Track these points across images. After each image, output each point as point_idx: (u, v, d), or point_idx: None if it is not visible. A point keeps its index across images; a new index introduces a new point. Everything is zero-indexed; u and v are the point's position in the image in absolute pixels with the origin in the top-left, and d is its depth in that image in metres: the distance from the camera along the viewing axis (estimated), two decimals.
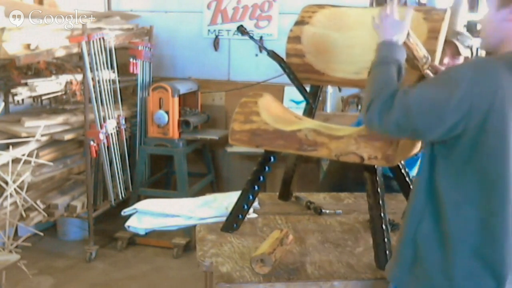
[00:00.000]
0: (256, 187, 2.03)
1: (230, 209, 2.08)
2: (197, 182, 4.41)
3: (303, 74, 2.14)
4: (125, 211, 2.27)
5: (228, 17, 4.63)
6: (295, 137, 1.84)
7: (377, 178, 1.79)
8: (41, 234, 3.47)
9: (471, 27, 4.97)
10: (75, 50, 3.60)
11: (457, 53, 2.58)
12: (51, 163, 3.55)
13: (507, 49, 1.43)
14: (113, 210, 3.96)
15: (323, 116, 3.76)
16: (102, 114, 3.77)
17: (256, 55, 4.61)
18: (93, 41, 3.63)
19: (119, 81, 4.00)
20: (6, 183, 3.05)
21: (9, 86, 3.52)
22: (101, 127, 3.74)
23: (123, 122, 4.03)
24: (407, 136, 1.57)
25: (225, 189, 4.43)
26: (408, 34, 1.64)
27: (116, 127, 3.92)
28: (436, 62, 1.84)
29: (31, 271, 3.28)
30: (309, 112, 2.25)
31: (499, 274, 1.36)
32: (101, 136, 3.74)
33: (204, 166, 4.66)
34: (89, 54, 3.62)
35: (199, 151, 4.58)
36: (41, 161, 3.35)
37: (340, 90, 4.24)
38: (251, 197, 2.04)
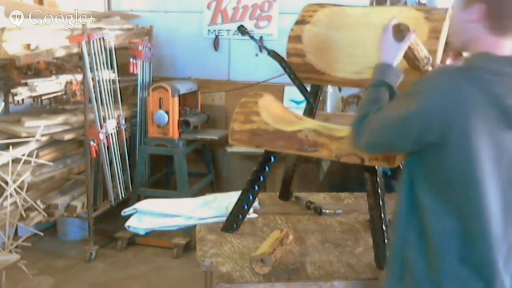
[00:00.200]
0: (256, 187, 2.03)
1: (230, 209, 2.08)
2: (197, 182, 4.41)
3: (304, 73, 2.14)
4: (125, 211, 2.27)
5: (228, 17, 4.63)
6: (295, 137, 1.84)
7: (378, 179, 1.79)
8: (41, 234, 3.47)
9: None
10: (75, 50, 3.59)
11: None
12: (51, 163, 3.55)
13: (473, 51, 1.40)
14: (113, 210, 3.96)
15: (323, 116, 3.76)
16: (102, 114, 3.76)
17: (256, 55, 4.61)
18: (93, 41, 3.62)
19: (119, 81, 4.00)
20: (6, 183, 3.05)
21: (9, 86, 3.52)
22: (101, 127, 3.74)
23: (123, 122, 4.03)
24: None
25: (225, 189, 4.43)
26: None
27: (116, 127, 3.92)
28: (438, 63, 1.84)
29: (31, 271, 3.27)
30: (310, 112, 2.25)
31: (486, 277, 1.34)
32: (101, 136, 3.74)
33: (204, 166, 4.66)
34: (89, 54, 3.62)
35: (199, 151, 4.58)
36: (41, 161, 3.35)
37: (340, 90, 4.24)
38: (251, 197, 2.04)
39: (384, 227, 1.77)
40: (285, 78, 2.27)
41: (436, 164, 1.36)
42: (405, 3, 4.19)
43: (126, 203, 3.70)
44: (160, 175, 4.70)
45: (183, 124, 4.11)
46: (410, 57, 1.68)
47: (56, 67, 3.68)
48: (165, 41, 4.71)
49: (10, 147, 3.20)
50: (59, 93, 3.58)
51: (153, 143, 4.16)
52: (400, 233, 1.44)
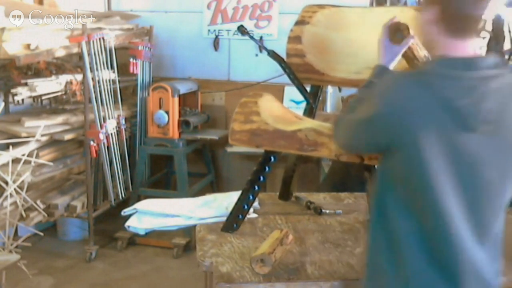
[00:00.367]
0: (256, 187, 2.03)
1: (230, 209, 2.08)
2: (197, 182, 4.41)
3: (304, 74, 2.14)
4: (125, 211, 2.27)
5: (228, 17, 4.63)
6: (295, 137, 1.84)
7: None
8: (41, 234, 3.47)
9: None
10: (75, 50, 3.59)
11: None
12: (51, 163, 3.55)
13: (433, 52, 1.39)
14: (113, 210, 3.96)
15: (323, 116, 3.76)
16: (102, 114, 3.76)
17: (256, 55, 4.61)
18: (93, 41, 3.62)
19: (119, 81, 4.00)
20: (6, 183, 3.05)
21: (9, 86, 3.52)
22: (101, 127, 3.74)
23: (123, 122, 4.03)
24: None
25: (225, 189, 4.43)
26: (409, 33, 1.63)
27: (116, 127, 3.92)
28: None
29: (31, 271, 3.27)
30: (310, 112, 2.25)
31: (452, 277, 1.35)
32: (101, 136, 3.74)
33: (204, 166, 4.66)
34: (89, 54, 3.62)
35: (199, 151, 4.58)
36: (41, 161, 3.35)
37: (340, 90, 4.24)
38: (251, 197, 2.04)
39: None
40: (285, 78, 2.27)
41: (394, 167, 1.37)
42: (405, 3, 4.19)
43: (126, 203, 3.70)
44: (160, 175, 4.70)
45: (183, 124, 4.11)
46: (409, 56, 1.68)
47: (56, 67, 3.68)
48: (165, 41, 4.71)
49: (10, 147, 3.20)
50: (59, 93, 3.58)
51: (153, 143, 4.17)
52: (372, 235, 1.46)
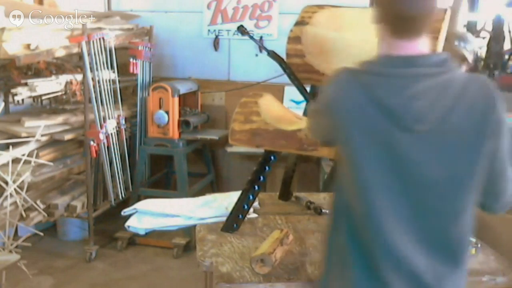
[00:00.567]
0: (256, 187, 2.03)
1: (230, 209, 2.08)
2: (197, 182, 4.41)
3: (303, 74, 2.14)
4: (125, 211, 2.27)
5: (228, 17, 4.63)
6: (295, 136, 1.84)
7: None
8: (41, 234, 3.47)
9: (471, 27, 4.98)
10: (75, 50, 3.60)
11: (462, 60, 2.58)
12: (51, 163, 3.55)
13: (379, 51, 1.38)
14: (113, 210, 3.96)
15: None
16: (102, 114, 3.76)
17: (256, 55, 4.61)
18: (93, 41, 3.63)
19: (119, 81, 4.00)
20: (6, 183, 3.05)
21: (9, 86, 3.52)
22: (101, 127, 3.74)
23: (123, 122, 4.03)
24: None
25: (225, 189, 4.43)
26: None
27: (116, 127, 3.92)
28: None
29: (31, 271, 3.27)
30: None
31: (380, 275, 1.35)
32: (101, 136, 3.74)
33: (204, 166, 4.66)
34: (89, 54, 3.62)
35: (199, 151, 4.58)
36: (41, 161, 3.35)
37: None
38: (251, 197, 2.04)
39: None
40: (285, 78, 2.27)
41: (339, 163, 1.43)
42: None
43: (126, 203, 3.70)
44: (160, 175, 4.70)
45: (183, 124, 4.11)
46: None
47: (56, 67, 3.68)
48: (165, 41, 4.71)
49: (10, 147, 3.21)
50: (59, 93, 3.58)
51: (153, 143, 4.17)
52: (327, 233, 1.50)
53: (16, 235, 3.42)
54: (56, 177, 3.72)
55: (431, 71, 1.29)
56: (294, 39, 2.12)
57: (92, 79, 3.67)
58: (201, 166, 4.66)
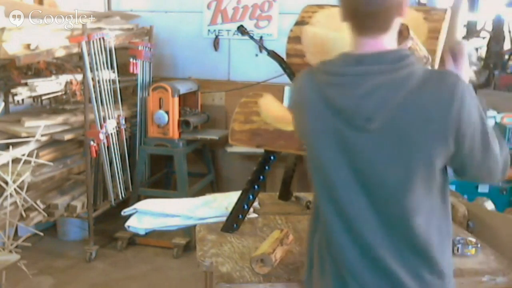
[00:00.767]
0: (256, 187, 2.03)
1: (230, 209, 2.08)
2: (197, 182, 4.41)
3: None
4: (125, 211, 2.27)
5: (228, 17, 4.63)
6: (295, 137, 1.83)
7: None
8: (41, 234, 3.47)
9: (471, 27, 4.98)
10: (75, 50, 3.60)
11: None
12: (51, 163, 3.55)
13: (350, 52, 1.38)
14: (113, 210, 3.96)
15: None
16: (102, 114, 3.76)
17: (256, 55, 4.61)
18: (93, 41, 3.62)
19: (119, 81, 4.00)
20: (6, 183, 3.05)
21: (9, 86, 3.52)
22: (101, 127, 3.74)
23: (123, 122, 4.03)
24: None
25: (225, 189, 4.43)
26: (409, 34, 1.63)
27: (116, 127, 3.92)
28: (437, 63, 1.84)
29: (31, 271, 3.27)
30: None
31: (341, 275, 1.36)
32: (101, 136, 3.74)
33: (204, 166, 4.66)
34: (89, 54, 3.62)
35: (199, 151, 4.58)
36: (41, 161, 3.35)
37: None
38: (251, 197, 2.04)
39: None
40: (285, 78, 2.27)
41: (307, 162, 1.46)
42: None
43: (126, 203, 3.70)
44: (160, 175, 4.70)
45: (183, 124, 4.11)
46: None
47: (56, 67, 3.68)
48: (165, 41, 4.71)
49: (10, 147, 3.20)
50: (59, 93, 3.58)
51: (153, 143, 4.17)
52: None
53: (16, 235, 3.42)
54: (56, 177, 3.72)
55: (384, 68, 1.26)
56: (294, 38, 2.12)
57: (92, 79, 3.67)
58: (201, 166, 4.66)
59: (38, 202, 3.54)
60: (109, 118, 3.83)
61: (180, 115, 4.13)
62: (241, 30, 2.25)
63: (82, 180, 3.94)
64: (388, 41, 1.30)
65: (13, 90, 3.36)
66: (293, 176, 2.41)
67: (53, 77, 3.53)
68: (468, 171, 1.35)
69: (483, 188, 3.22)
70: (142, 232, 2.20)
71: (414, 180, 1.28)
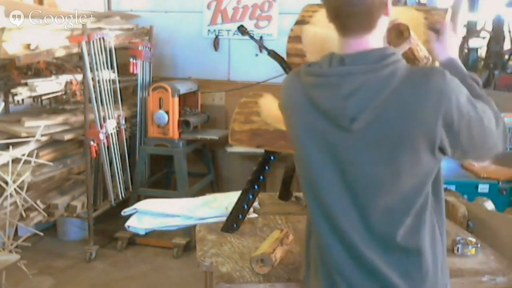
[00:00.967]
0: (256, 187, 2.03)
1: (230, 209, 2.08)
2: (197, 182, 4.41)
3: None
4: (125, 211, 2.27)
5: (228, 17, 4.63)
6: None
7: None
8: (41, 234, 3.47)
9: (471, 27, 4.98)
10: (75, 50, 3.60)
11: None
12: (51, 163, 3.55)
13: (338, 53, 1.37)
14: (113, 210, 3.96)
15: None
16: (102, 114, 3.76)
17: (256, 55, 4.61)
18: (93, 41, 3.62)
19: (119, 81, 4.00)
20: (6, 183, 3.05)
21: (9, 86, 3.52)
22: (101, 127, 3.74)
23: (123, 122, 4.03)
24: None
25: (225, 189, 4.43)
26: (410, 34, 1.63)
27: (116, 127, 3.92)
28: (437, 63, 1.84)
29: (31, 271, 3.27)
30: None
31: (330, 276, 1.37)
32: (101, 136, 3.74)
33: (204, 166, 4.66)
34: (89, 54, 3.62)
35: (199, 151, 4.58)
36: (41, 161, 3.35)
37: None
38: (251, 197, 2.04)
39: None
40: None
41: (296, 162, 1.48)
42: (405, 3, 4.20)
43: (126, 203, 3.70)
44: (160, 175, 4.70)
45: (183, 124, 4.11)
46: (410, 57, 1.67)
47: (56, 67, 3.68)
48: (165, 41, 4.71)
49: (10, 147, 3.21)
50: (59, 93, 3.58)
51: (153, 143, 4.16)
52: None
53: (16, 235, 3.42)
54: (56, 177, 3.72)
55: (366, 68, 1.25)
56: (294, 38, 2.12)
57: (92, 79, 3.67)
58: (201, 166, 4.66)
59: (38, 202, 3.54)
60: (109, 118, 3.83)
61: (180, 115, 4.13)
62: (241, 30, 2.25)
63: (82, 180, 3.94)
64: (373, 41, 1.29)
65: (13, 90, 3.36)
66: (293, 176, 2.41)
67: (53, 77, 3.53)
68: (470, 157, 1.37)
69: (483, 188, 3.22)
70: (142, 232, 2.20)
71: (402, 179, 1.27)
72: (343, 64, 1.28)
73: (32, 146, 3.32)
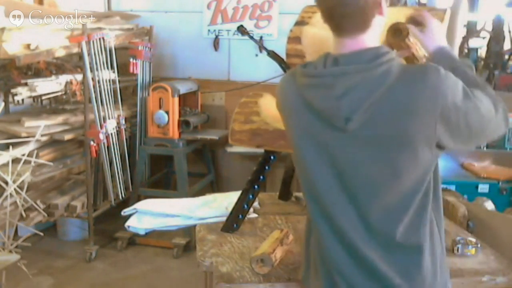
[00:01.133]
0: (256, 187, 2.03)
1: (230, 209, 2.08)
2: (197, 182, 4.41)
3: None
4: (125, 211, 2.27)
5: (228, 17, 4.63)
6: None
7: None
8: (41, 234, 3.47)
9: (471, 27, 4.98)
10: (75, 50, 3.60)
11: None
12: (51, 163, 3.55)
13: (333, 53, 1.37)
14: (113, 210, 3.97)
15: None
16: (102, 114, 3.76)
17: (256, 55, 4.61)
18: (93, 41, 3.62)
19: (119, 81, 4.00)
20: (6, 183, 3.05)
21: (9, 86, 3.52)
22: (101, 127, 3.74)
23: (123, 122, 4.03)
24: None
25: (225, 189, 4.43)
26: (408, 33, 1.63)
27: (116, 127, 3.92)
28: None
29: (31, 271, 3.27)
30: None
31: (329, 275, 1.37)
32: (101, 136, 3.74)
33: (204, 166, 4.66)
34: (89, 54, 3.62)
35: (199, 151, 4.58)
36: (41, 161, 3.35)
37: None
38: (251, 196, 2.04)
39: None
40: None
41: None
42: (405, 3, 4.19)
43: (126, 203, 3.70)
44: (160, 175, 4.70)
45: (183, 124, 4.11)
46: (409, 56, 1.67)
47: (56, 67, 3.68)
48: (165, 41, 4.71)
49: (10, 147, 3.21)
50: (59, 93, 3.58)
51: (153, 143, 4.17)
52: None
53: (16, 235, 3.42)
54: (56, 177, 3.72)
55: (360, 67, 1.24)
56: (294, 39, 2.12)
57: (92, 79, 3.67)
58: (201, 166, 4.66)
59: (38, 202, 3.54)
60: (109, 118, 3.83)
61: (180, 115, 4.13)
62: (241, 30, 2.25)
63: (82, 180, 3.94)
64: (368, 40, 1.28)
65: (13, 90, 3.36)
66: (293, 176, 2.41)
67: (53, 77, 3.53)
68: (473, 144, 1.38)
69: (483, 188, 3.22)
70: (142, 232, 2.20)
71: (400, 178, 1.27)
72: (337, 64, 1.27)
73: (32, 146, 3.32)
